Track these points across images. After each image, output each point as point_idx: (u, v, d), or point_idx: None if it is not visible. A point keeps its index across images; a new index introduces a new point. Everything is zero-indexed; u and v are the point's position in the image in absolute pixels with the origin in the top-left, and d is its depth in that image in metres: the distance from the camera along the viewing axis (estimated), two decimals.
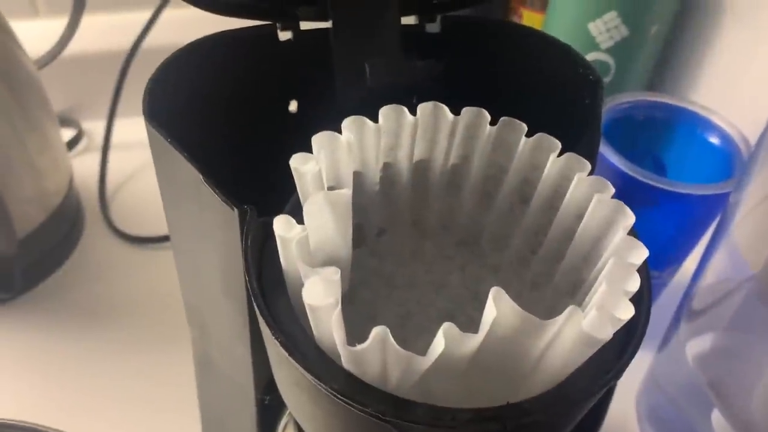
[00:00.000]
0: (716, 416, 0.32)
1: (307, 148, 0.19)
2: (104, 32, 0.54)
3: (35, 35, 0.47)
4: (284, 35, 0.25)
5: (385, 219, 0.23)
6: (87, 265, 0.45)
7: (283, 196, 0.21)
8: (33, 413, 0.35)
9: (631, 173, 0.35)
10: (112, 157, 0.52)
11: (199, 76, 0.24)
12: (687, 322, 0.36)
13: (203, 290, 0.25)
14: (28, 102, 0.40)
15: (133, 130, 0.53)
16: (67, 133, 0.54)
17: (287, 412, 0.24)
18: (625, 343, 0.18)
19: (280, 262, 0.19)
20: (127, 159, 0.53)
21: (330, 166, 0.20)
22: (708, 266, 0.36)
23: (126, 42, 0.50)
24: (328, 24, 0.25)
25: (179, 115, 0.22)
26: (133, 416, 0.38)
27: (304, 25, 0.25)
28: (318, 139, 0.19)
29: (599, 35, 0.44)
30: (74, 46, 0.49)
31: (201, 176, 0.19)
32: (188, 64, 0.23)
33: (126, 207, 0.50)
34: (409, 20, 0.26)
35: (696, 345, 0.35)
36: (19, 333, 0.41)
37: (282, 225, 0.17)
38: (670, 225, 0.38)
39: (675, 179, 0.35)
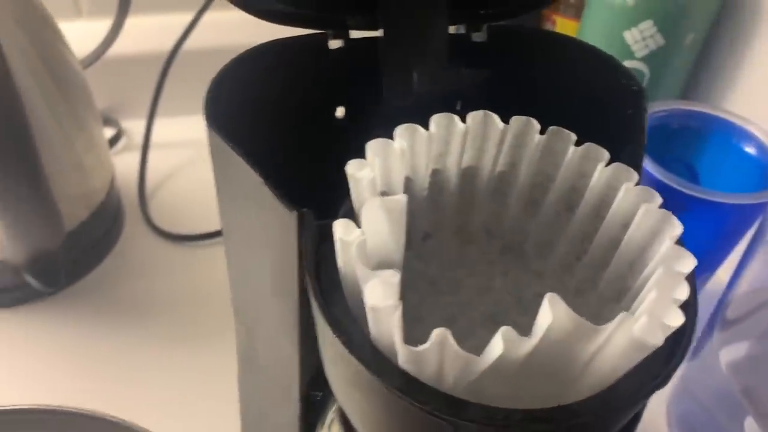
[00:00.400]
0: (750, 423, 0.32)
1: (353, 155, 0.20)
2: (144, 34, 0.56)
3: (78, 36, 0.48)
4: (335, 43, 0.26)
5: (431, 224, 0.24)
6: (127, 261, 0.47)
7: (328, 201, 0.22)
8: (73, 401, 0.36)
9: (666, 181, 0.36)
10: (151, 156, 0.53)
11: (253, 82, 0.24)
12: (721, 330, 0.36)
13: (253, 289, 0.26)
14: (76, 101, 0.41)
15: (171, 129, 0.55)
16: (107, 132, 0.55)
17: (333, 408, 0.25)
18: (670, 349, 0.18)
19: (333, 265, 0.20)
20: (166, 158, 0.54)
21: (383, 173, 0.20)
22: (743, 275, 0.36)
23: (165, 44, 0.51)
24: (377, 33, 0.25)
25: (234, 119, 0.23)
26: (171, 410, 0.39)
27: (354, 34, 0.26)
28: (372, 146, 0.20)
29: (634, 44, 0.44)
30: (115, 47, 0.51)
31: (261, 180, 0.20)
32: (244, 70, 0.24)
33: (164, 205, 0.51)
34: (456, 29, 0.26)
35: (730, 353, 0.35)
36: (61, 326, 0.42)
37: (343, 228, 0.18)
38: (704, 234, 0.38)
39: (709, 188, 0.36)
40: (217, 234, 0.48)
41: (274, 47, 0.25)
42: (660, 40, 0.44)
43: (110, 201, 0.46)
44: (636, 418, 0.25)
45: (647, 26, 0.43)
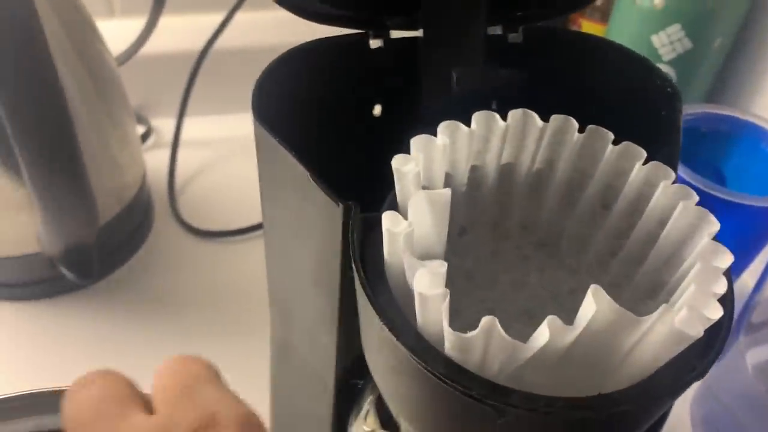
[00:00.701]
0: None
1: (388, 151, 0.20)
2: (174, 34, 0.57)
3: (110, 35, 0.49)
4: (375, 43, 0.26)
5: (468, 219, 0.24)
6: (156, 256, 0.48)
7: (363, 194, 0.23)
8: None
9: (693, 183, 0.36)
10: (180, 153, 0.54)
11: (297, 79, 0.25)
12: (746, 333, 0.36)
13: (292, 280, 0.26)
14: (112, 99, 0.42)
15: (200, 128, 0.56)
16: (138, 130, 0.56)
17: (368, 400, 0.26)
18: (706, 343, 0.19)
19: (375, 256, 0.20)
20: (194, 156, 0.55)
21: (425, 167, 0.21)
22: None
23: (194, 44, 0.52)
24: (417, 33, 0.26)
25: (279, 114, 0.24)
26: None
27: (394, 34, 0.26)
28: (416, 141, 0.21)
29: (662, 47, 0.45)
30: (146, 47, 0.52)
31: (308, 173, 0.21)
32: (289, 67, 0.25)
33: (193, 202, 0.52)
34: (492, 30, 0.27)
35: (756, 355, 0.35)
36: (93, 318, 0.43)
37: (390, 219, 0.18)
38: (730, 236, 0.38)
39: (736, 192, 0.36)
40: (244, 231, 0.49)
41: (317, 46, 0.25)
42: (688, 43, 0.44)
43: (141, 196, 0.47)
44: (663, 417, 0.26)
45: (675, 30, 0.44)
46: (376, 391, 0.26)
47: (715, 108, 0.40)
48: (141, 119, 0.57)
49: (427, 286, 0.17)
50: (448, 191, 0.19)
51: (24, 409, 0.24)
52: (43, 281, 0.43)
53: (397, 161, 0.20)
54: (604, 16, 0.53)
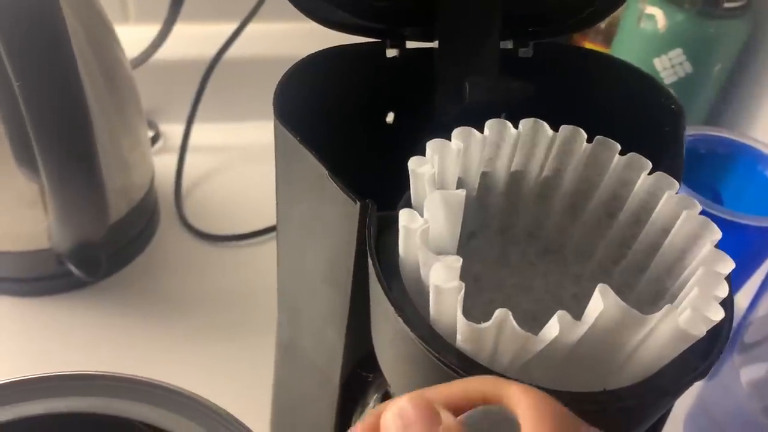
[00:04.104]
0: None
1: (400, 157, 0.21)
2: (186, 41, 0.58)
3: (124, 41, 0.50)
4: (391, 52, 0.27)
5: (477, 224, 0.25)
6: (161, 257, 0.48)
7: (373, 196, 0.23)
8: None
9: None
10: (187, 158, 0.55)
11: (315, 84, 0.26)
12: (740, 353, 0.37)
13: (304, 278, 0.27)
14: (125, 101, 0.43)
15: (208, 135, 0.57)
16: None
17: (374, 397, 0.26)
18: (707, 346, 0.19)
19: (388, 255, 0.21)
20: (201, 161, 0.56)
21: (439, 170, 0.22)
22: (763, 299, 0.37)
23: (205, 52, 0.53)
24: (432, 44, 0.27)
25: (297, 116, 0.25)
26: None
27: (410, 44, 0.27)
28: (432, 145, 0.22)
29: (663, 70, 0.46)
30: (158, 53, 0.53)
31: (327, 172, 0.21)
32: (308, 72, 0.25)
33: (198, 206, 0.53)
34: (503, 44, 0.28)
35: (750, 373, 0.36)
36: (97, 316, 0.44)
37: (408, 216, 0.19)
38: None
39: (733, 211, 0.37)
40: (247, 236, 0.50)
41: (336, 52, 0.26)
42: (689, 68, 0.45)
43: (149, 198, 0.48)
44: (662, 419, 0.26)
45: (677, 54, 0.45)
46: (382, 388, 0.26)
47: (714, 130, 0.41)
48: (150, 124, 0.58)
49: (443, 279, 0.18)
50: (462, 192, 0.20)
51: (34, 392, 0.24)
52: (50, 277, 0.43)
53: (414, 163, 0.21)
54: (607, 38, 0.54)
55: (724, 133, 0.41)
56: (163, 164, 0.54)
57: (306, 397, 0.31)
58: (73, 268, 0.40)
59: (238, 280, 0.48)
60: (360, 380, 0.27)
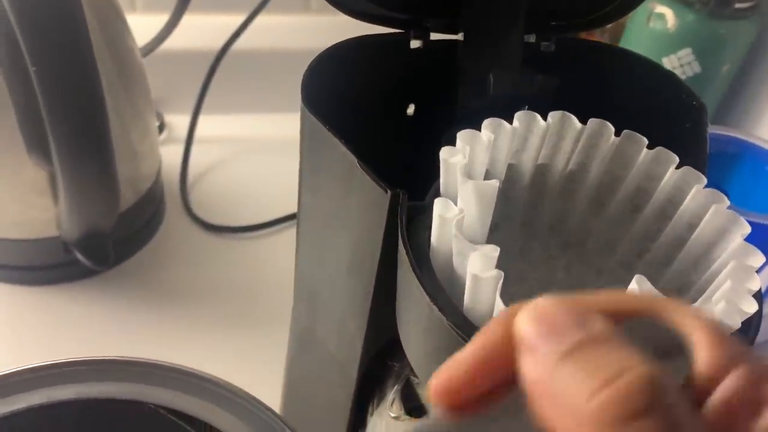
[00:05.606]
0: None
1: (421, 149, 0.21)
2: (192, 33, 0.57)
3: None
4: (415, 43, 0.27)
5: (501, 216, 0.25)
6: (167, 247, 0.48)
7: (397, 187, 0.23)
8: None
9: None
10: (193, 149, 0.54)
11: (339, 73, 0.26)
12: None
13: (324, 268, 0.27)
14: (135, 91, 0.43)
15: (213, 126, 0.57)
16: None
17: (395, 388, 0.26)
18: (739, 338, 0.20)
19: (416, 245, 0.21)
20: (207, 152, 0.55)
21: (469, 161, 0.22)
22: None
23: (212, 43, 0.53)
24: (456, 36, 0.27)
25: (322, 105, 0.25)
26: None
27: (434, 36, 0.27)
28: (463, 135, 0.22)
29: (672, 70, 0.46)
30: (165, 43, 0.52)
31: (356, 161, 0.21)
32: (333, 61, 0.25)
33: (204, 197, 0.52)
34: (526, 38, 0.28)
35: None
36: (103, 305, 0.44)
37: (443, 205, 0.19)
38: None
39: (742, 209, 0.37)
40: (253, 228, 0.50)
41: (360, 42, 0.26)
42: (697, 67, 0.45)
43: (156, 188, 0.47)
44: None
45: (686, 53, 0.45)
46: (402, 379, 0.26)
47: (721, 129, 0.42)
48: (155, 114, 0.57)
49: (481, 268, 0.18)
50: (496, 182, 0.20)
51: (34, 381, 0.24)
52: (58, 265, 0.43)
53: (446, 152, 0.21)
54: (613, 36, 0.54)
55: (732, 133, 0.42)
56: (169, 155, 0.54)
57: (321, 387, 0.31)
58: (81, 257, 0.40)
59: (243, 270, 0.47)
60: (377, 370, 0.28)
